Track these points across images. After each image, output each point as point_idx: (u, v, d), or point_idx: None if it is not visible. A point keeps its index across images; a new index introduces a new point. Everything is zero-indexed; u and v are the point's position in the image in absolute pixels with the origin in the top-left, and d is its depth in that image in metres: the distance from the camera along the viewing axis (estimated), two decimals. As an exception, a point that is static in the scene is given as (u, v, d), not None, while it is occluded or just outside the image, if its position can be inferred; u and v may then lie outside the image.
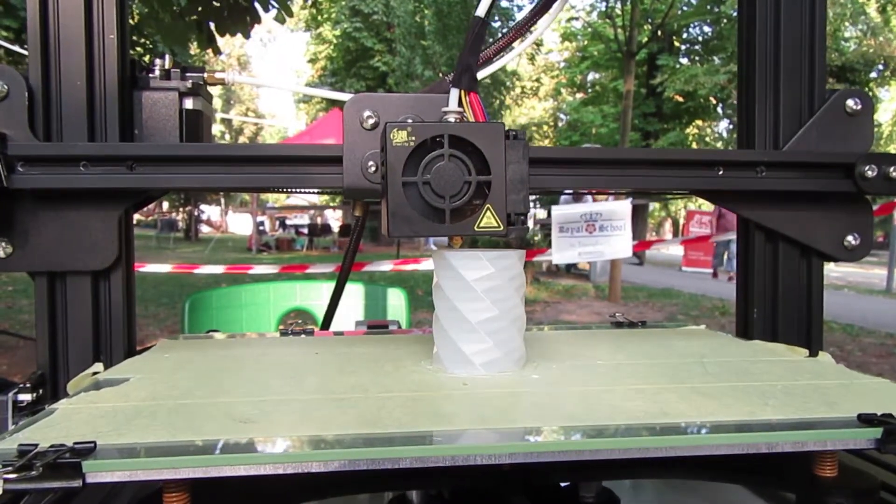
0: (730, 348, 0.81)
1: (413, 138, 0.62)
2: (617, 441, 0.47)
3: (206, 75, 0.90)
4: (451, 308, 0.67)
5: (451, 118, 0.67)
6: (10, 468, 0.40)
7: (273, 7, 4.08)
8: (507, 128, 0.63)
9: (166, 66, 0.87)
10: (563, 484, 0.65)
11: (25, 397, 0.76)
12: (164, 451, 0.44)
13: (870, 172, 0.83)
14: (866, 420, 0.50)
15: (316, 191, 0.94)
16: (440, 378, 0.65)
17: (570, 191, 0.96)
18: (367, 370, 0.69)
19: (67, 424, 0.50)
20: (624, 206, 2.84)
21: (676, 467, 0.63)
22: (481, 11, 0.70)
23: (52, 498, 0.45)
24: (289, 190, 0.88)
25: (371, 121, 0.74)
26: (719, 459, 0.56)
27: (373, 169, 0.74)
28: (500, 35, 0.79)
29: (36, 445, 0.43)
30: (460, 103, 0.70)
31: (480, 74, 0.85)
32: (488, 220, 0.63)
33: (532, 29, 0.84)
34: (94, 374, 0.70)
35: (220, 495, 0.53)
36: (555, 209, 2.83)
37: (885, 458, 0.69)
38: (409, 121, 0.71)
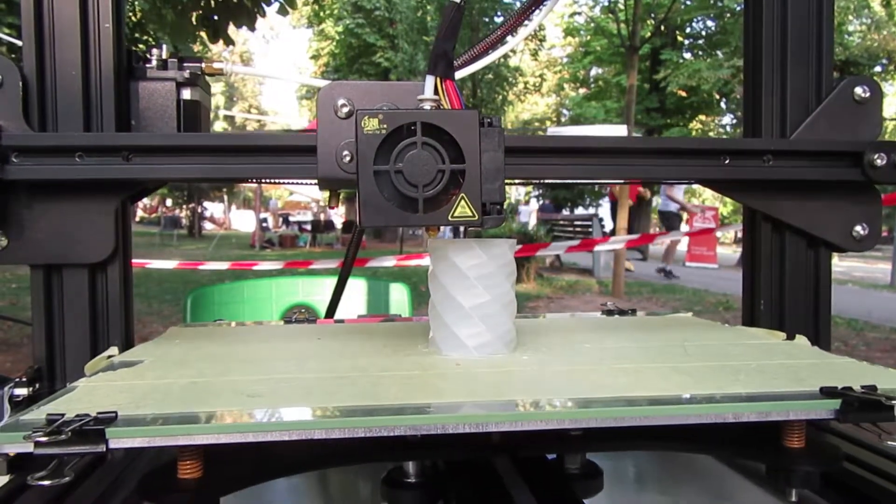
0: (712, 333, 0.85)
1: (385, 126, 0.61)
2: (595, 411, 0.51)
3: (203, 65, 0.88)
4: (445, 294, 0.69)
5: (427, 106, 0.66)
6: (40, 433, 0.44)
7: (276, 0, 4.07)
8: (481, 115, 0.62)
9: (163, 56, 0.86)
10: (549, 456, 0.69)
11: (22, 392, 0.75)
12: (179, 420, 0.48)
13: (879, 161, 0.82)
14: (827, 392, 0.53)
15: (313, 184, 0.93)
16: (435, 359, 0.69)
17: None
18: (366, 353, 0.72)
19: (89, 398, 0.54)
20: None
21: (654, 439, 0.67)
22: None
23: (78, 463, 0.48)
24: (266, 181, 0.87)
25: (345, 109, 0.73)
26: (694, 431, 0.62)
27: (348, 158, 0.73)
28: (494, 28, 0.77)
29: (63, 415, 0.47)
30: (436, 91, 0.68)
31: (475, 66, 0.84)
32: (463, 209, 0.62)
33: (525, 23, 0.82)
34: (110, 357, 0.72)
35: (230, 464, 0.57)
36: None
37: (850, 432, 0.73)
38: (384, 108, 0.70)
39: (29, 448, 0.44)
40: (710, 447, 0.68)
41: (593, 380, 0.60)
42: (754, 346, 0.75)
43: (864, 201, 0.88)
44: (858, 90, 0.86)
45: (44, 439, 0.44)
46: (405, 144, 0.61)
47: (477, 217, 0.62)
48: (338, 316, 1.17)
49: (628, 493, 0.84)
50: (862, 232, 0.88)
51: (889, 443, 0.57)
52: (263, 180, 0.88)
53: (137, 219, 28.43)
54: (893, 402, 0.51)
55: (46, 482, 0.45)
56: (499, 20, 16.93)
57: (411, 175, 0.61)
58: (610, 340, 0.80)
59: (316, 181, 0.75)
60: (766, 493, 0.72)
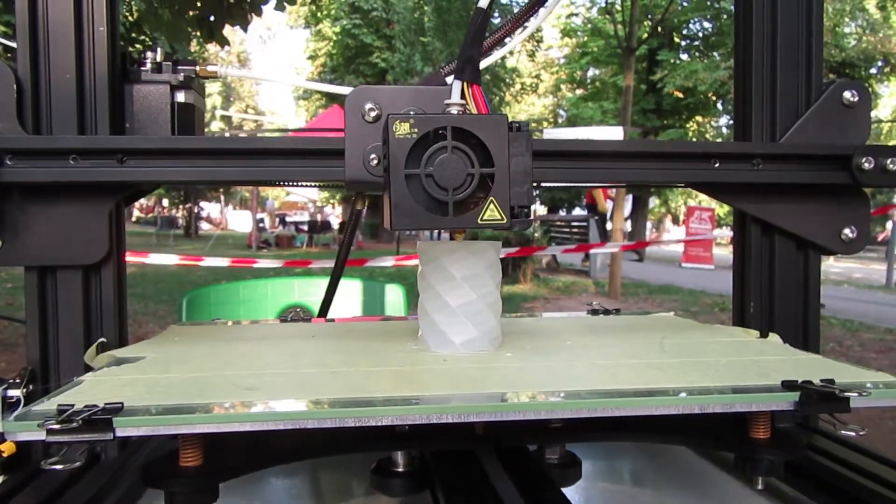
0: (690, 332, 0.88)
1: (416, 130, 0.62)
2: (568, 402, 0.54)
3: (197, 69, 0.89)
4: (434, 294, 0.72)
5: (454, 110, 0.67)
6: (52, 421, 0.47)
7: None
8: (510, 120, 0.63)
9: (158, 59, 0.86)
10: (531, 447, 0.73)
11: (15, 393, 0.75)
12: (180, 411, 0.51)
13: (867, 164, 0.83)
14: (788, 386, 0.57)
15: (314, 185, 0.93)
16: (423, 356, 0.71)
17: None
18: (358, 350, 0.75)
19: (96, 391, 0.57)
20: None
21: (630, 431, 0.70)
22: (483, 3, 0.70)
23: (86, 448, 0.53)
24: (285, 184, 0.88)
25: (373, 113, 0.73)
26: (669, 424, 0.65)
27: (375, 162, 0.73)
28: (497, 28, 0.78)
29: (72, 405, 0.50)
30: (463, 95, 0.69)
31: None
32: (492, 212, 0.63)
33: (528, 23, 0.83)
34: (101, 343, 0.77)
35: (228, 454, 0.61)
36: None
37: (815, 424, 0.78)
38: (412, 112, 0.70)
39: (42, 436, 0.47)
40: (685, 439, 0.72)
41: (570, 375, 0.63)
42: (728, 344, 0.79)
43: (853, 204, 0.88)
44: (847, 94, 0.87)
45: (56, 427, 0.47)
46: (436, 148, 0.62)
47: (505, 220, 0.63)
48: (335, 318, 1.19)
49: (609, 484, 0.88)
50: (850, 235, 0.89)
51: (843, 431, 0.60)
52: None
53: (134, 219, 28.37)
54: (847, 394, 0.55)
55: (59, 466, 0.51)
56: (496, 20, 16.90)
57: (441, 178, 0.62)
58: (592, 338, 0.83)
59: (342, 183, 0.76)
60: (737, 481, 0.76)
